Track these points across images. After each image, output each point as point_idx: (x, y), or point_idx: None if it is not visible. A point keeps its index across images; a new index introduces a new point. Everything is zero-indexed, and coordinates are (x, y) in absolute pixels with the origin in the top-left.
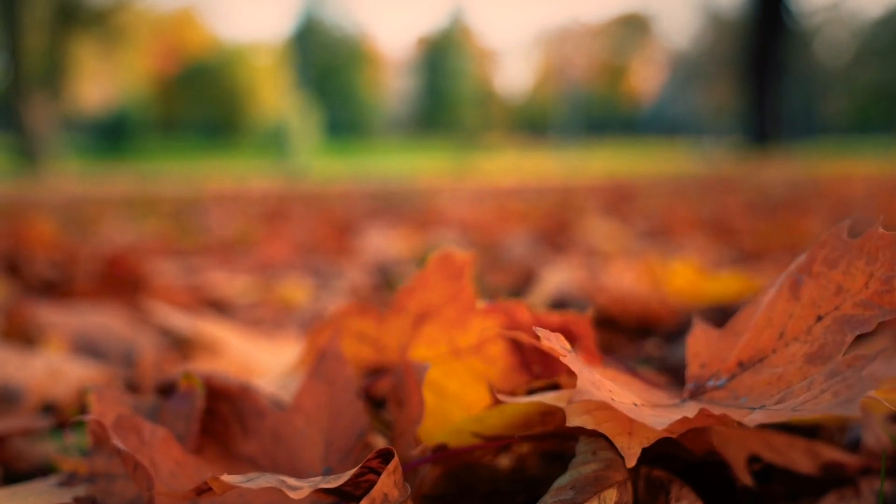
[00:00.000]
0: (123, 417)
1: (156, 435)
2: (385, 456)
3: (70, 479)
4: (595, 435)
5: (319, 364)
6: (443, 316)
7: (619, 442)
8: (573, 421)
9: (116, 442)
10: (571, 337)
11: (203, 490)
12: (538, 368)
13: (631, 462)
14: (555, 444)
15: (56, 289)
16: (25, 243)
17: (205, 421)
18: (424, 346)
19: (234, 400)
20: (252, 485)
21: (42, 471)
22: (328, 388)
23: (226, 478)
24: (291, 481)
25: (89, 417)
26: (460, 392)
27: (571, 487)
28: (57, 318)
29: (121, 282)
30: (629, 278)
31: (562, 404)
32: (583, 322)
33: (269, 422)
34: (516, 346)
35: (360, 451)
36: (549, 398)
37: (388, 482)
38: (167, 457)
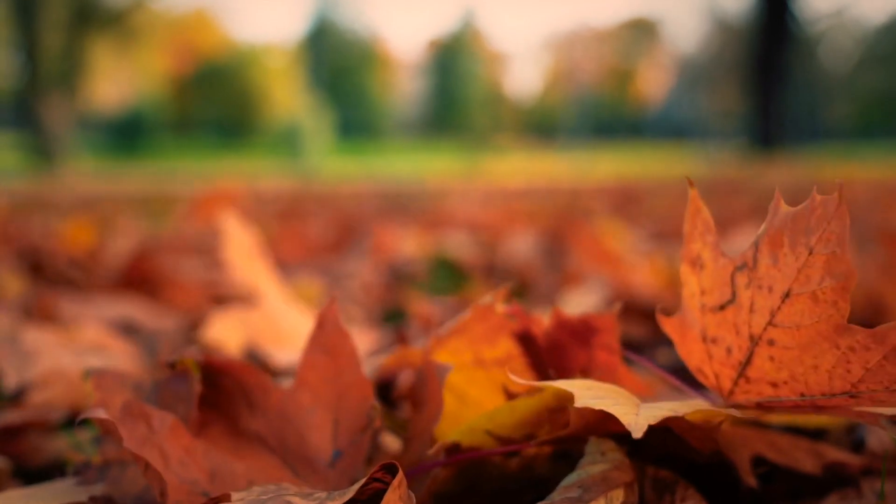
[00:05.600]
0: (130, 405)
1: (164, 423)
2: (390, 469)
3: (85, 470)
4: (604, 436)
5: (318, 334)
6: (470, 332)
7: (627, 420)
8: (581, 402)
9: (128, 446)
10: (593, 332)
11: None
12: (555, 375)
13: (638, 434)
14: (563, 444)
15: (76, 285)
16: (47, 241)
17: (210, 396)
18: (448, 354)
19: (238, 376)
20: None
21: (56, 466)
22: (331, 361)
23: (235, 496)
24: (298, 501)
25: (96, 411)
26: (480, 398)
27: (579, 486)
28: (82, 310)
29: (139, 278)
30: (639, 279)
31: (572, 389)
32: (606, 318)
33: (275, 399)
34: (535, 361)
35: (370, 437)
36: (559, 384)
37: (393, 497)
38: (176, 445)
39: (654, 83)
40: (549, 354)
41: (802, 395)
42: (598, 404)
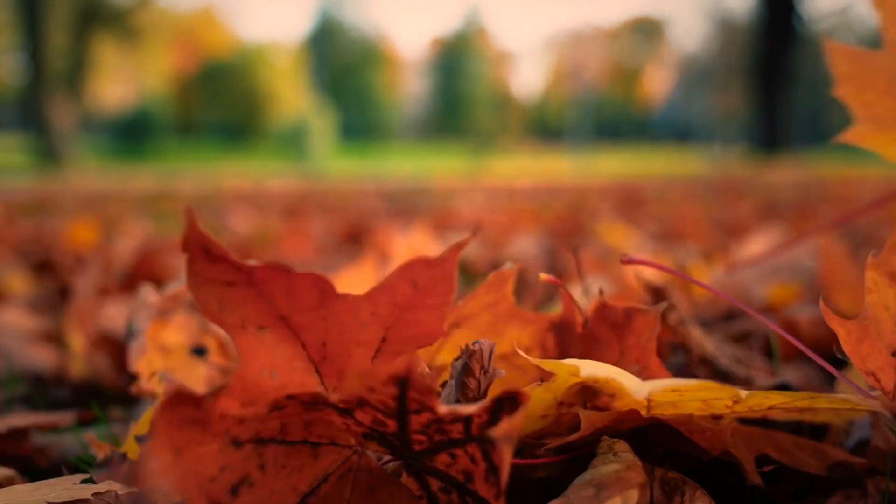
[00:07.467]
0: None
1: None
2: (511, 400)
3: (110, 462)
4: (616, 436)
5: (420, 268)
6: (475, 321)
7: (631, 386)
8: (585, 372)
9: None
10: (632, 328)
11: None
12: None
13: (639, 396)
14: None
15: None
16: (56, 243)
17: (249, 274)
18: (447, 353)
19: (289, 281)
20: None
21: (64, 467)
22: (415, 296)
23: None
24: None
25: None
26: None
27: (593, 486)
28: (113, 309)
29: (146, 278)
30: (649, 278)
31: (577, 364)
32: (650, 315)
33: (332, 300)
34: (557, 352)
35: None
36: (567, 362)
37: (516, 420)
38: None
39: (658, 83)
40: (580, 347)
41: None
42: (602, 374)
